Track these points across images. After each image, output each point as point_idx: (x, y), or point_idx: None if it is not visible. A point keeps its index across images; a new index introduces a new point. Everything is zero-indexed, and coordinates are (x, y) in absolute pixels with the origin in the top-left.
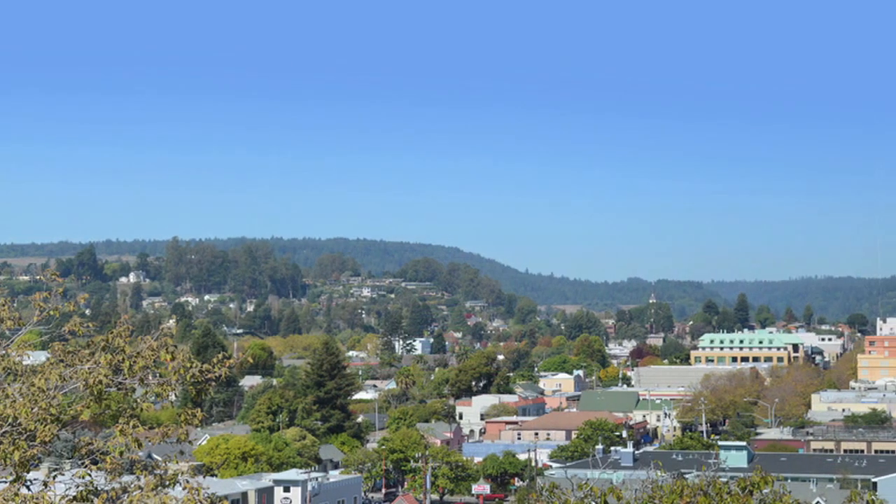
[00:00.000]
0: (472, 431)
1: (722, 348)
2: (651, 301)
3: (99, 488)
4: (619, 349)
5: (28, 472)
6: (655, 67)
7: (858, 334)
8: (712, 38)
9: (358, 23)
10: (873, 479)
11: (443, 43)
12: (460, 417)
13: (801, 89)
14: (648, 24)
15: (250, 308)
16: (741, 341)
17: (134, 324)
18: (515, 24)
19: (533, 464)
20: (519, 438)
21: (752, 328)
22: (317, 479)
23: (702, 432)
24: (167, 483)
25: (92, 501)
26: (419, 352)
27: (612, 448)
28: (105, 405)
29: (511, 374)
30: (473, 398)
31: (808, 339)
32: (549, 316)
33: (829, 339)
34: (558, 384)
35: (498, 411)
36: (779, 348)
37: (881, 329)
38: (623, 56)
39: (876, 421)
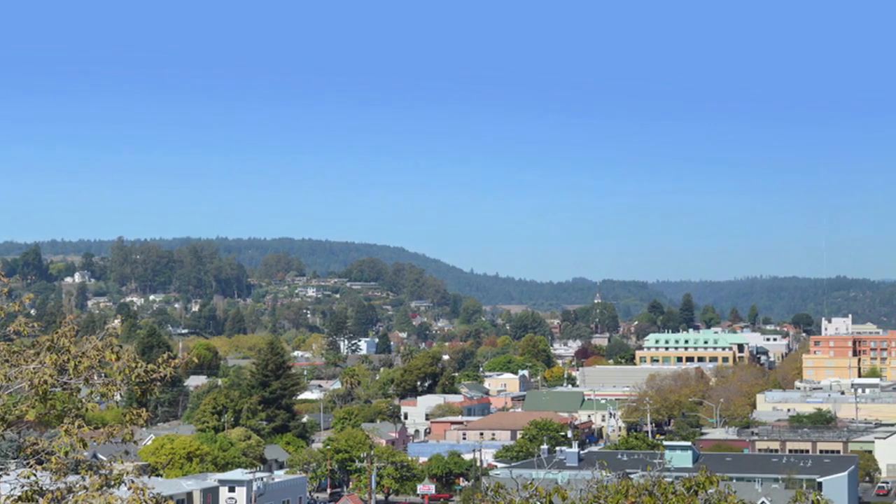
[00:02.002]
0: (417, 431)
1: (667, 348)
2: (596, 301)
3: (44, 488)
4: (565, 349)
5: None
6: (599, 68)
7: (803, 334)
8: (656, 39)
9: (302, 22)
10: (818, 479)
11: (389, 44)
12: (405, 417)
13: (746, 89)
14: (590, 25)
15: (195, 308)
16: (686, 341)
17: (79, 324)
18: (459, 25)
19: (478, 464)
20: (464, 438)
21: (697, 328)
22: (262, 479)
23: (647, 432)
24: (112, 483)
25: (37, 501)
26: (364, 352)
27: (558, 448)
28: (50, 405)
29: (456, 375)
30: (418, 398)
31: (754, 339)
32: (495, 316)
33: (775, 339)
34: (503, 384)
35: (443, 411)
36: (724, 348)
37: (826, 329)
38: (566, 57)
39: (821, 421)
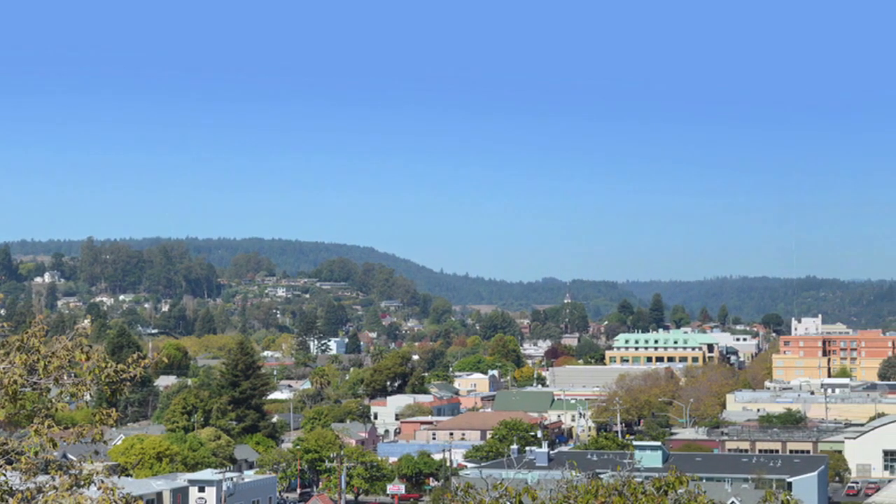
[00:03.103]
0: (386, 431)
1: (637, 348)
2: (566, 301)
3: (14, 488)
4: (534, 349)
5: None
6: (567, 68)
7: (773, 334)
8: (626, 40)
9: (272, 22)
10: (788, 479)
11: (359, 45)
12: (375, 417)
13: (717, 90)
14: (560, 26)
15: (165, 308)
16: (656, 341)
17: (49, 324)
18: (429, 25)
19: (448, 464)
20: (434, 438)
21: (666, 328)
22: (231, 479)
23: (617, 432)
24: (82, 483)
25: (6, 501)
26: (334, 352)
27: (527, 448)
28: (20, 405)
29: (426, 374)
30: (388, 398)
31: (723, 339)
32: (464, 316)
33: (744, 339)
34: (473, 384)
35: (413, 411)
36: (694, 348)
37: (796, 329)
38: (537, 58)
39: (791, 421)
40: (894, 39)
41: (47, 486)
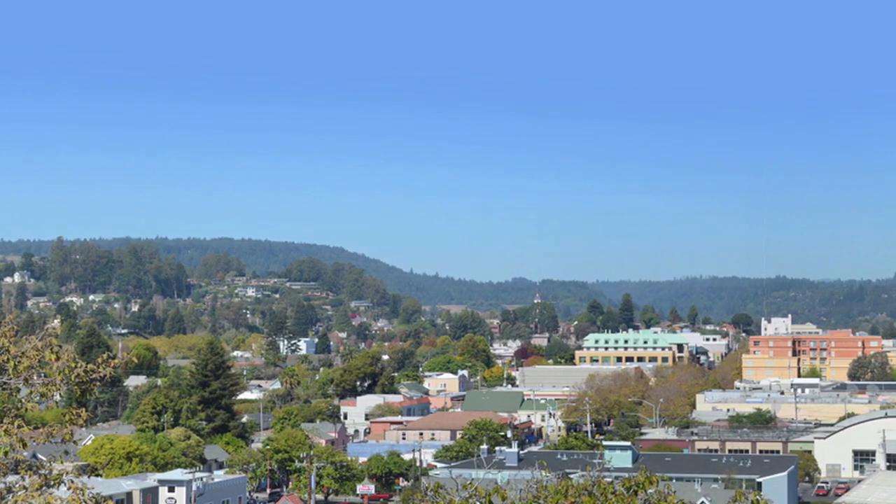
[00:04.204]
0: (356, 431)
1: (607, 348)
2: (536, 301)
3: None
4: (504, 349)
5: None
6: (538, 67)
7: (743, 334)
8: (595, 38)
9: (242, 22)
10: (758, 479)
11: (329, 45)
12: (345, 417)
13: (686, 89)
14: (530, 26)
15: (135, 308)
16: (626, 341)
17: (18, 324)
18: (398, 25)
19: (418, 464)
20: (404, 438)
21: (636, 328)
22: (201, 479)
23: (586, 432)
24: (52, 483)
25: None
26: (304, 352)
27: (497, 448)
28: None
29: (396, 374)
30: (358, 398)
31: (693, 339)
32: (434, 316)
33: (714, 339)
34: (443, 384)
35: (383, 411)
36: (663, 348)
37: (766, 329)
38: (504, 55)
39: (760, 421)
40: (863, 40)
41: (17, 486)
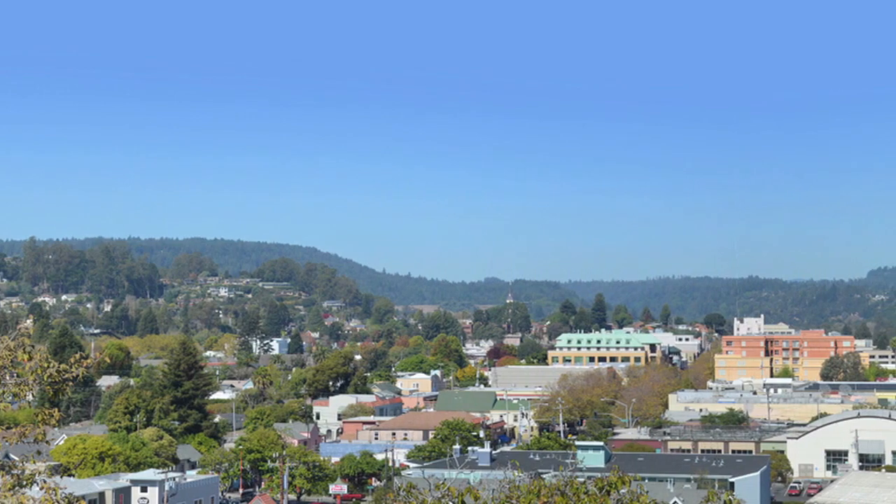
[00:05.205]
0: (329, 431)
1: (579, 348)
2: (508, 301)
3: None
4: (477, 349)
5: None
6: (512, 67)
7: (715, 334)
8: (569, 39)
9: (211, 21)
10: (730, 479)
11: (297, 44)
12: (317, 417)
13: (658, 90)
14: (503, 25)
15: (107, 308)
16: (598, 341)
17: None
18: (368, 23)
19: (390, 464)
20: (376, 438)
21: (609, 328)
22: (174, 479)
23: (559, 432)
24: (25, 483)
25: None
26: (276, 352)
27: (470, 448)
28: None
29: (368, 374)
30: (331, 398)
31: (666, 339)
32: (407, 316)
33: (687, 339)
34: (416, 384)
35: (355, 411)
36: (636, 348)
37: (738, 329)
38: (480, 55)
39: (733, 421)
40: (838, 42)
41: None
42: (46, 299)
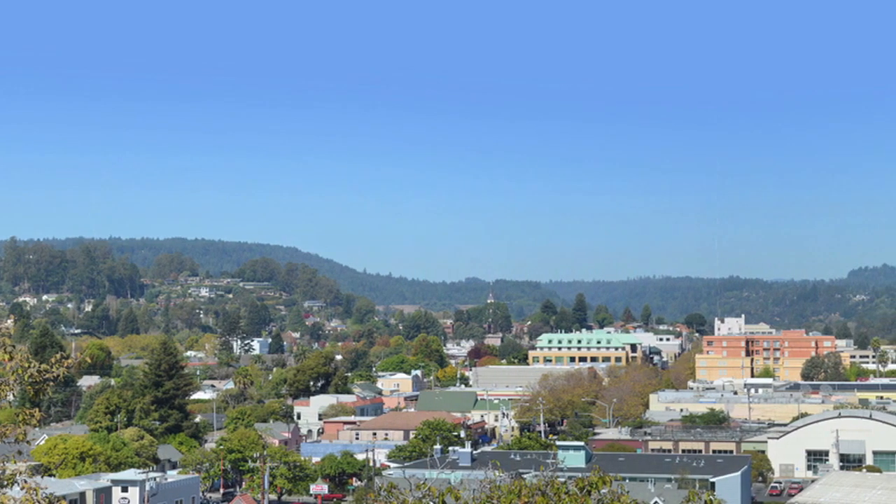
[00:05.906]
0: (310, 431)
1: (560, 348)
2: (489, 301)
3: None
4: (458, 349)
5: None
6: (489, 68)
7: (696, 334)
8: (547, 38)
9: (193, 20)
10: (711, 479)
11: (280, 44)
12: (298, 417)
13: (638, 89)
14: (480, 25)
15: (88, 308)
16: (579, 341)
17: None
18: (350, 23)
19: (371, 464)
20: (357, 438)
21: (590, 328)
22: (155, 479)
23: (540, 432)
24: (5, 483)
25: None
26: (257, 352)
27: (450, 448)
28: None
29: (349, 375)
30: (311, 398)
31: (646, 339)
32: (388, 316)
33: (667, 339)
34: (396, 384)
35: (336, 411)
36: (617, 348)
37: (719, 329)
38: (459, 56)
39: (714, 421)
40: (817, 41)
41: None
42: (27, 299)
